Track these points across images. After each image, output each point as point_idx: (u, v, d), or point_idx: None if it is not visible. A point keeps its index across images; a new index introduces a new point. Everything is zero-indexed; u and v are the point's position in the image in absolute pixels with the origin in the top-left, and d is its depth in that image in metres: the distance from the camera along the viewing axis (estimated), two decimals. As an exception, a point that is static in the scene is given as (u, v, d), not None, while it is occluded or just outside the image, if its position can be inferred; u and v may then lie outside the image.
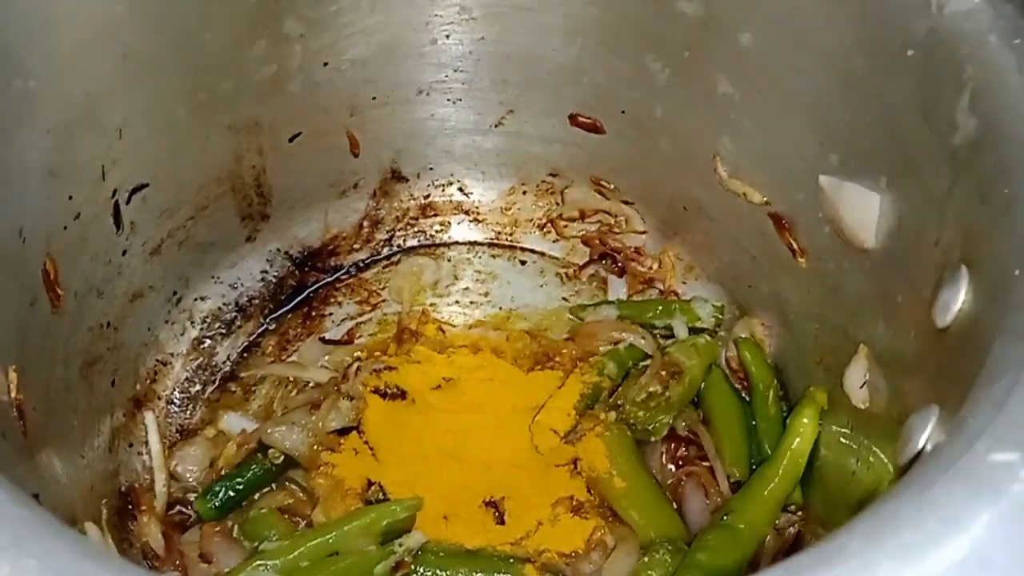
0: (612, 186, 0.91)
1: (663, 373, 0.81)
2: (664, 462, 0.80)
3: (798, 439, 0.72)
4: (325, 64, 0.80)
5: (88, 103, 0.64)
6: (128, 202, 0.73)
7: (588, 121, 0.87)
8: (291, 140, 0.84)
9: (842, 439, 0.69)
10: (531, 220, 0.96)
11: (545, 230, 0.96)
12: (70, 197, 0.65)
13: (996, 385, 0.38)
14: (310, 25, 0.77)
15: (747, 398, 0.82)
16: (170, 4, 0.67)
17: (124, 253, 0.74)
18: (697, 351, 0.83)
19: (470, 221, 0.96)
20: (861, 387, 0.65)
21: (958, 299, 0.51)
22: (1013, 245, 0.45)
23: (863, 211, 0.64)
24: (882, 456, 0.59)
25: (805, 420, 0.72)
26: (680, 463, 0.80)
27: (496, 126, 0.90)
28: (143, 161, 0.72)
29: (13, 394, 0.55)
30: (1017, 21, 0.51)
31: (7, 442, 0.52)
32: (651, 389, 0.80)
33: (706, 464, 0.79)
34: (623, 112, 0.84)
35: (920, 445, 0.45)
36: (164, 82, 0.70)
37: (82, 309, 0.69)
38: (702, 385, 0.82)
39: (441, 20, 0.81)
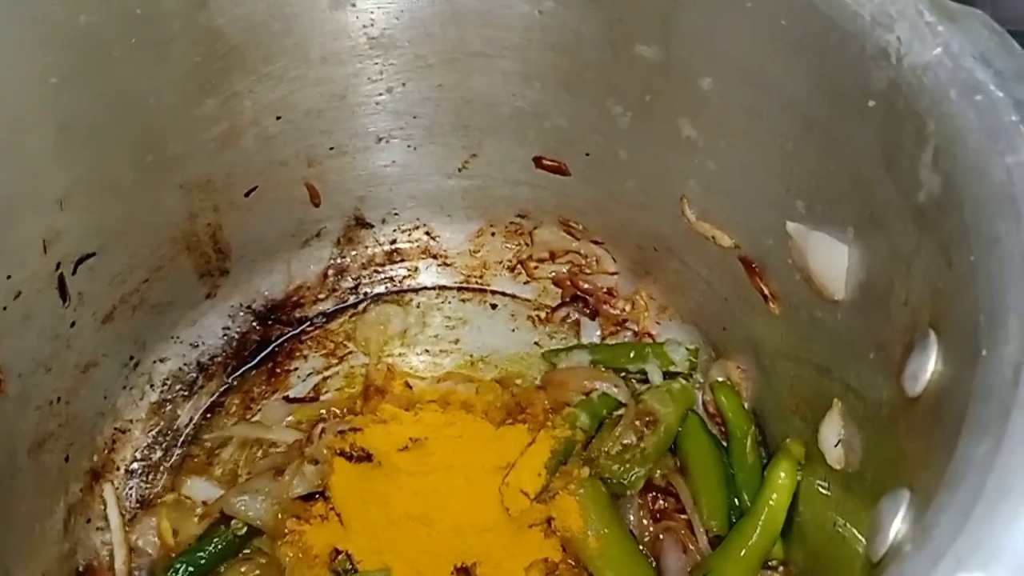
0: (581, 227, 0.89)
1: (637, 423, 0.79)
2: (641, 516, 0.77)
3: (776, 494, 0.70)
4: (278, 117, 0.78)
5: (23, 180, 0.62)
6: (74, 272, 0.70)
7: (553, 163, 0.84)
8: (247, 194, 0.82)
9: (821, 491, 0.67)
10: (500, 262, 0.94)
11: (515, 272, 0.93)
12: (8, 276, 0.63)
13: (961, 488, 0.36)
14: (259, 79, 0.74)
15: (725, 444, 0.80)
16: (108, 71, 0.64)
17: (73, 325, 0.72)
18: (672, 397, 0.80)
19: (438, 265, 0.94)
20: (836, 445, 0.62)
21: (927, 367, 0.48)
22: (980, 320, 0.43)
23: (831, 261, 0.62)
24: (860, 522, 0.57)
25: (782, 474, 0.70)
26: (657, 516, 0.78)
27: (460, 170, 0.88)
28: (88, 230, 0.70)
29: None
30: (978, 75, 0.48)
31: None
32: (626, 441, 0.78)
33: (684, 517, 0.77)
34: (587, 155, 0.81)
35: (890, 538, 0.42)
36: (107, 149, 0.68)
37: (28, 389, 0.67)
38: (679, 431, 0.80)
39: (395, 68, 0.78)
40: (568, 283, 0.91)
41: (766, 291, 0.73)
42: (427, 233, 0.94)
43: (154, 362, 0.84)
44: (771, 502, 0.70)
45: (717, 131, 0.70)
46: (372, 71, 0.79)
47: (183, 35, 0.68)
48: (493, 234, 0.93)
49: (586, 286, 0.90)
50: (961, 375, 0.44)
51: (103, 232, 0.72)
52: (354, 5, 0.73)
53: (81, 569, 0.72)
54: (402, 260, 0.94)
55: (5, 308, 0.63)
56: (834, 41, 0.56)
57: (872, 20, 0.53)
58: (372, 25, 0.75)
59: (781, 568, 0.71)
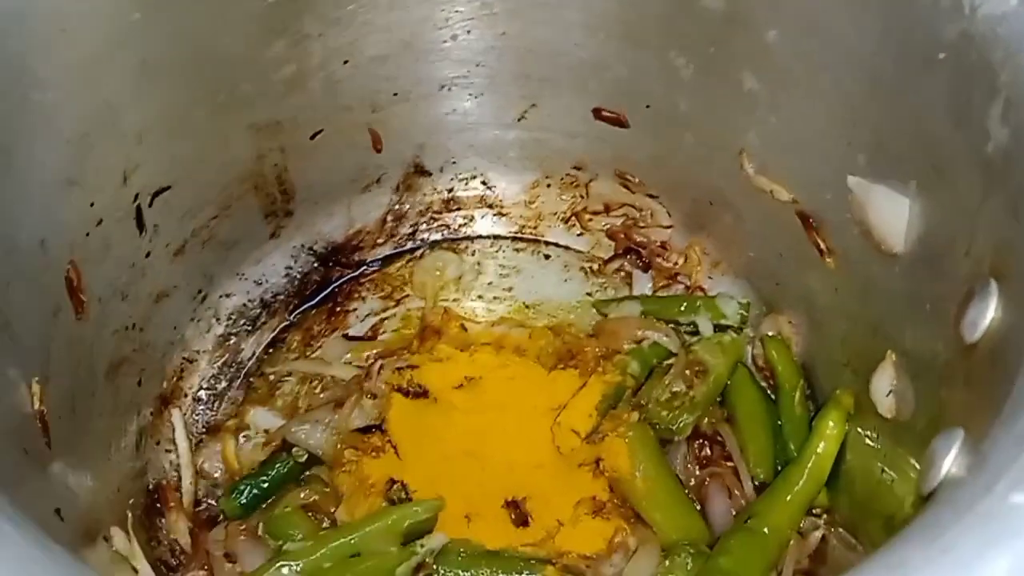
0: (637, 180, 0.90)
1: (688, 372, 0.81)
2: (688, 462, 0.79)
3: (823, 443, 0.71)
4: (345, 62, 0.80)
5: (107, 111, 0.64)
6: (151, 205, 0.73)
7: (612, 115, 0.85)
8: (312, 137, 0.84)
9: (869, 443, 0.68)
10: (555, 213, 0.95)
11: (570, 224, 0.95)
12: (91, 204, 0.66)
13: (1019, 423, 0.37)
14: (329, 24, 0.76)
15: (773, 397, 0.81)
16: (187, 9, 0.67)
17: (148, 255, 0.75)
18: (723, 349, 0.82)
19: (494, 215, 0.96)
20: (888, 395, 0.64)
21: (987, 315, 0.49)
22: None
23: (892, 215, 0.63)
24: (908, 470, 0.58)
25: (831, 423, 0.71)
26: (704, 463, 0.80)
27: (519, 120, 0.89)
28: (164, 164, 0.73)
29: (36, 406, 0.55)
30: (1054, 27, 0.49)
31: (28, 457, 0.53)
32: (675, 388, 0.80)
33: (730, 464, 0.78)
34: (647, 107, 0.82)
35: (943, 473, 0.44)
36: (183, 86, 0.70)
37: (106, 313, 0.70)
38: (727, 384, 0.81)
39: (461, 16, 0.80)
40: (622, 236, 0.92)
41: (822, 246, 0.74)
42: (484, 183, 0.95)
43: (220, 297, 0.87)
44: (819, 450, 0.71)
45: (780, 84, 0.71)
46: (438, 18, 0.80)
47: (259, -25, 0.70)
48: (549, 186, 0.95)
49: (639, 239, 0.92)
50: (1021, 321, 0.45)
51: (177, 167, 0.74)
52: (424, -50, 0.75)
53: (151, 487, 0.76)
54: (459, 208, 0.96)
55: (88, 234, 0.66)
56: (906, -8, 0.56)
57: (946, -29, 0.54)
58: (441, -29, 0.76)
59: (825, 516, 0.73)
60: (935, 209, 0.58)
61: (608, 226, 0.93)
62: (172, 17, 0.66)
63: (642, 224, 0.92)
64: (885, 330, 0.66)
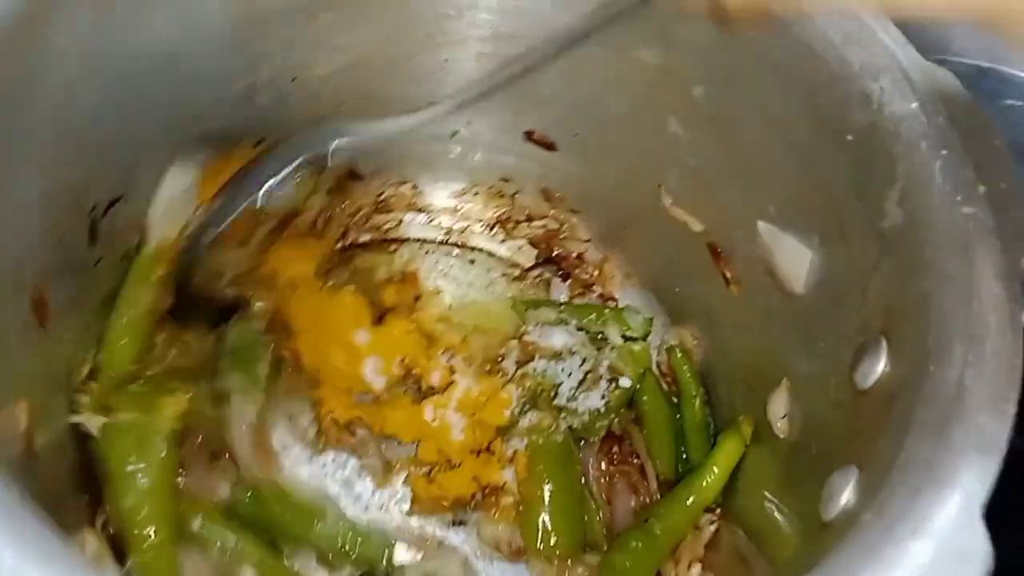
0: (559, 195, 0.97)
1: (602, 378, 0.90)
2: (599, 460, 0.88)
3: (722, 463, 0.79)
4: (293, 79, 0.82)
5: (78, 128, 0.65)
6: (104, 215, 0.74)
7: (542, 139, 0.91)
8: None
9: (765, 458, 0.78)
10: (481, 220, 1.01)
11: (494, 231, 1.01)
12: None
13: (913, 472, 0.47)
14: (282, 44, 0.79)
15: (675, 399, 0.91)
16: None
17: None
18: (633, 358, 0.91)
19: (422, 219, 1.01)
20: (783, 418, 0.74)
21: (878, 367, 0.59)
22: (929, 343, 0.53)
23: (795, 262, 0.72)
24: (795, 512, 0.68)
25: (731, 447, 0.79)
26: (613, 460, 0.89)
27: (452, 136, 0.94)
28: (120, 176, 0.74)
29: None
30: (946, 133, 0.58)
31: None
32: (590, 393, 0.89)
33: (637, 462, 0.88)
34: (576, 135, 0.89)
35: (841, 504, 0.54)
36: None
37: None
38: (636, 388, 0.90)
39: (408, 38, 0.84)
40: (543, 245, 1.00)
41: (728, 275, 0.83)
42: (414, 187, 1.00)
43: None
44: (715, 471, 0.79)
45: (701, 133, 0.78)
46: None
47: None
48: (476, 194, 1.00)
49: (559, 251, 0.99)
50: (909, 382, 0.55)
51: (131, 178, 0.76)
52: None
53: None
54: (389, 211, 1.00)
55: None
56: (823, 80, 0.64)
57: (860, 69, 0.62)
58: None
59: (719, 510, 0.82)
60: (834, 263, 0.68)
61: (530, 235, 1.00)
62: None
63: (562, 236, 0.99)
64: (781, 357, 0.76)
